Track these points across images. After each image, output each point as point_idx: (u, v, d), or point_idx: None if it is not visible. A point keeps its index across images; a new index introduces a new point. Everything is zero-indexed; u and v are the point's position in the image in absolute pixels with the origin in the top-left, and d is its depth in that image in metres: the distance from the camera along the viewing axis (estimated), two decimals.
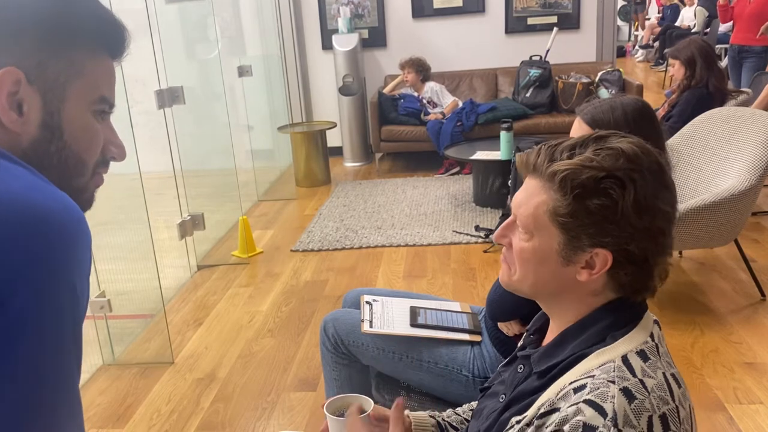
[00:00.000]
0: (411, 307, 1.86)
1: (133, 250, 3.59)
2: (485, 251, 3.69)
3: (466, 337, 1.75)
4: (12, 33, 0.71)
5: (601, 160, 0.86)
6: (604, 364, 0.85)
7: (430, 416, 1.26)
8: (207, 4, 4.40)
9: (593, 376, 0.84)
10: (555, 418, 0.82)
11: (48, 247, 0.64)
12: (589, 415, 0.79)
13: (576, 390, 0.83)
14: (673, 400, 0.83)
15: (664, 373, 0.85)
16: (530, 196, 0.91)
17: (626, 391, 0.80)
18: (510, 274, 0.97)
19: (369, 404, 1.17)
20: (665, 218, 0.89)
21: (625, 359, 0.85)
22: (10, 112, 0.71)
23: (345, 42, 5.57)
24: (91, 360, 2.81)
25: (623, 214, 0.85)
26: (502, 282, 1.00)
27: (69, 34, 0.74)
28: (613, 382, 0.81)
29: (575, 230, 0.88)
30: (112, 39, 0.79)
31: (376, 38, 5.90)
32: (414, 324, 1.78)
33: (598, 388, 0.81)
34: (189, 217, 3.52)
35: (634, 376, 0.83)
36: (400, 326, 1.77)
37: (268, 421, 2.34)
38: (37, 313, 0.63)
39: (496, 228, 3.78)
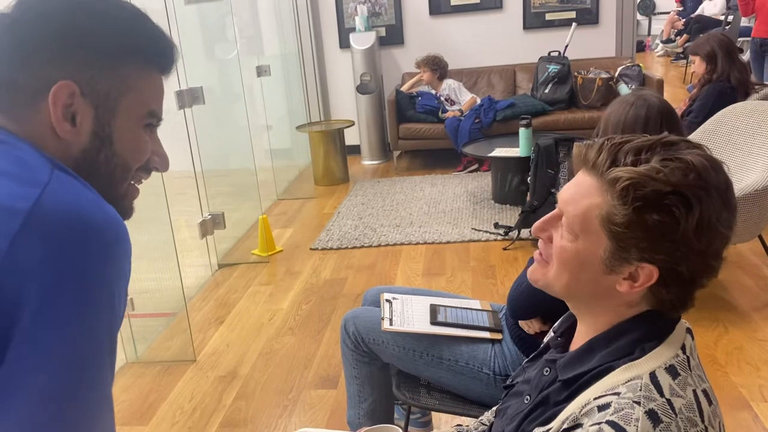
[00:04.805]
0: (431, 304, 1.86)
1: (155, 249, 3.62)
2: (505, 249, 3.68)
3: (486, 335, 1.75)
4: (67, 49, 0.74)
5: (668, 173, 0.80)
6: (631, 380, 0.81)
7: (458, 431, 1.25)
8: (225, 5, 4.43)
9: (619, 394, 0.80)
10: None
11: (93, 257, 0.67)
12: None
13: (600, 408, 0.80)
14: (703, 421, 0.79)
15: (694, 390, 0.81)
16: (583, 196, 0.85)
17: (652, 414, 0.77)
18: (545, 270, 0.92)
19: None
20: (723, 241, 0.84)
21: (653, 376, 0.81)
22: (64, 123, 0.75)
23: (362, 40, 5.58)
24: None
25: (683, 234, 0.80)
26: (532, 278, 0.94)
27: (121, 52, 0.78)
28: (639, 403, 0.78)
29: (626, 241, 0.82)
30: (161, 56, 0.82)
31: (393, 36, 5.90)
32: (434, 322, 1.78)
33: (623, 409, 0.78)
34: (209, 216, 3.55)
35: (662, 396, 0.79)
36: (420, 324, 1.77)
37: (289, 418, 2.36)
38: (77, 318, 0.66)
39: (516, 225, 3.76)
